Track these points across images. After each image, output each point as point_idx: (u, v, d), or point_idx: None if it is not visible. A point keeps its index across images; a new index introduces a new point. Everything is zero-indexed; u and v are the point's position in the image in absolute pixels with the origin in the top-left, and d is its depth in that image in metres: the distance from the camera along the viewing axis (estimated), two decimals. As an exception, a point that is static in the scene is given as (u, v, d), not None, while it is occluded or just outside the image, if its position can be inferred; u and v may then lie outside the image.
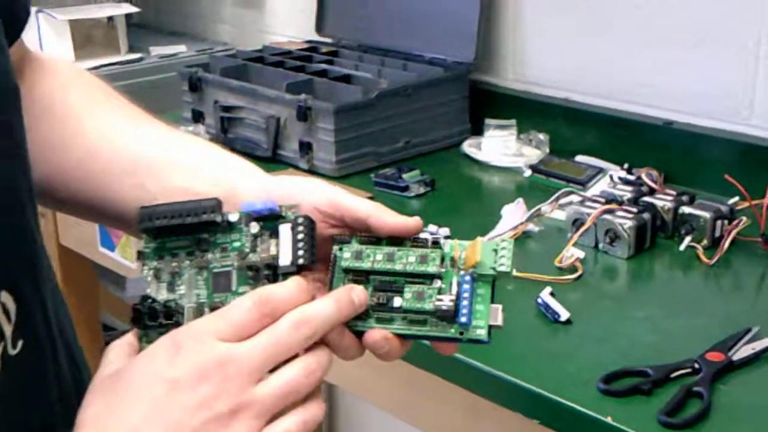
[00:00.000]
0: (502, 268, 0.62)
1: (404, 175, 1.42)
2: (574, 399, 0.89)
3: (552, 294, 1.05)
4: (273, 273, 0.60)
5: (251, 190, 0.66)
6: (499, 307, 0.62)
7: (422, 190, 1.41)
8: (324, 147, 1.47)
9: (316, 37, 1.86)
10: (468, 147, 1.56)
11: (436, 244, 0.63)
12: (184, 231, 0.61)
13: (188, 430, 0.53)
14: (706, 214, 1.19)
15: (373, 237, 0.64)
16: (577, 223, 1.21)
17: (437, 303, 0.61)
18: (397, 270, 0.62)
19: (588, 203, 1.23)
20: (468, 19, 1.59)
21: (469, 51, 1.60)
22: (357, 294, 0.60)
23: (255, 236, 0.61)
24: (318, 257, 0.62)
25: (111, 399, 0.55)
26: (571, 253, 1.15)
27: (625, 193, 1.25)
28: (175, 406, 0.53)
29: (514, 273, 1.09)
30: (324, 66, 1.66)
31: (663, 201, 1.23)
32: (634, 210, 1.20)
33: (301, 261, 0.60)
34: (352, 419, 2.12)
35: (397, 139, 1.53)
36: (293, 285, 0.58)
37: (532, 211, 1.26)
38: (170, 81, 1.84)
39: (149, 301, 0.60)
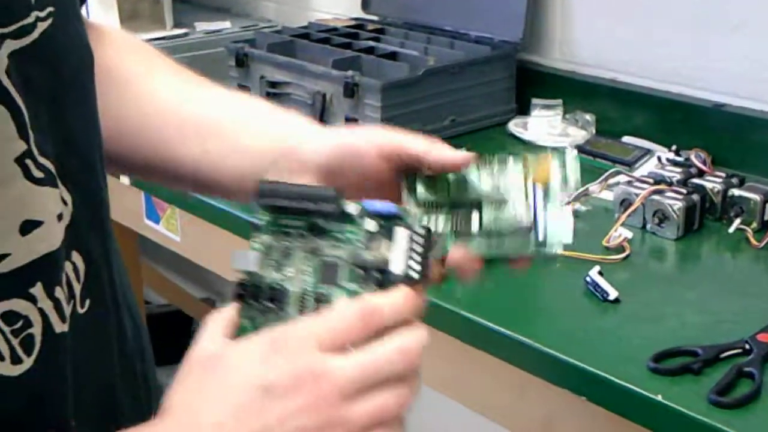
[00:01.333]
0: (572, 183, 0.66)
1: (450, 153, 1.42)
2: (624, 377, 0.89)
3: (600, 273, 1.05)
4: (382, 276, 0.58)
5: (313, 144, 0.69)
6: (571, 222, 0.65)
7: (468, 168, 1.40)
8: (370, 123, 1.47)
9: (361, 15, 1.86)
10: (514, 126, 1.55)
11: (502, 162, 0.66)
12: (300, 212, 0.60)
13: None
14: (756, 197, 1.18)
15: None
16: (625, 203, 1.20)
17: (514, 221, 0.64)
18: (471, 196, 0.65)
19: (636, 184, 1.22)
20: (516, -1, 1.59)
21: (517, 30, 1.59)
22: None
23: (370, 233, 0.60)
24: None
25: (203, 388, 0.55)
26: (619, 233, 1.15)
27: (674, 174, 1.24)
28: (264, 410, 0.53)
29: (561, 252, 1.10)
30: (370, 43, 1.66)
31: (712, 183, 1.22)
32: (684, 191, 1.19)
33: (413, 275, 0.58)
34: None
35: (443, 116, 1.53)
36: (401, 299, 0.57)
37: (580, 190, 1.25)
38: (215, 57, 1.84)
39: (255, 278, 0.59)
